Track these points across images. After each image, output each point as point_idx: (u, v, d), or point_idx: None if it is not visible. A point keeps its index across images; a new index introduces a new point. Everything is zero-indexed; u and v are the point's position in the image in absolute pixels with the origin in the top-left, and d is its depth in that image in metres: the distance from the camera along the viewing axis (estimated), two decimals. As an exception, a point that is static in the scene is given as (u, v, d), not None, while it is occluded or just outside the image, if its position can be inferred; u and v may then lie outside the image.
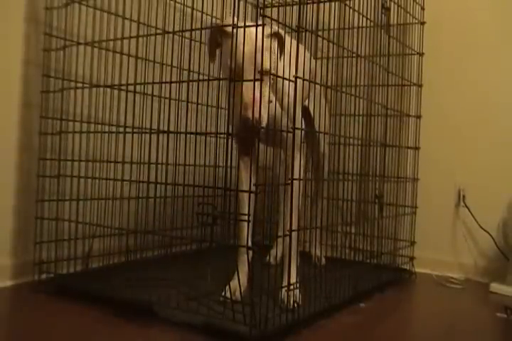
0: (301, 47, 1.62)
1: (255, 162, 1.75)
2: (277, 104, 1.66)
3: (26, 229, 1.94)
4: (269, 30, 1.57)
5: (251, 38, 1.48)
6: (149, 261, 2.09)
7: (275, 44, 1.61)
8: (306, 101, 1.99)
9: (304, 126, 1.88)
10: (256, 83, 1.45)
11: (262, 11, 2.38)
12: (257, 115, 1.44)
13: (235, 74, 1.51)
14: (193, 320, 1.51)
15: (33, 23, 1.97)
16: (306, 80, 1.57)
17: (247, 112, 1.46)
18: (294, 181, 1.62)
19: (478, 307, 2.04)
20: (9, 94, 1.93)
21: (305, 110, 1.96)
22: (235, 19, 1.52)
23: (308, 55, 1.80)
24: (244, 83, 1.48)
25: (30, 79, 1.97)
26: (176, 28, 1.94)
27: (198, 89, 1.93)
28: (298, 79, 1.53)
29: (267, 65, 1.52)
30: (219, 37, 1.62)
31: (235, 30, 1.50)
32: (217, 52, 1.66)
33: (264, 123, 1.50)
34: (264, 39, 1.50)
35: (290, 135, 1.61)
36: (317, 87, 1.84)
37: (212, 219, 1.51)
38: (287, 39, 1.59)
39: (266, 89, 1.54)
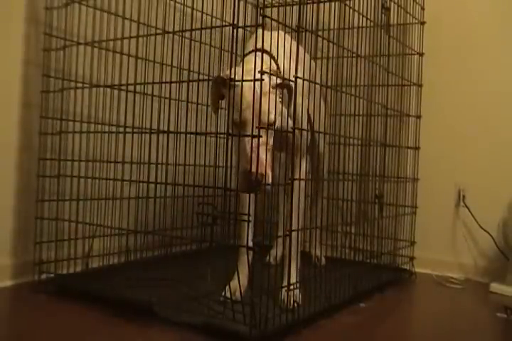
0: (301, 49, 1.62)
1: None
2: (283, 107, 1.66)
3: (26, 229, 1.94)
4: (275, 80, 1.52)
5: (251, 89, 1.43)
6: (149, 261, 2.09)
7: (281, 93, 1.57)
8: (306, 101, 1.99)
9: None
10: (258, 134, 1.43)
11: (262, 11, 2.38)
12: (262, 171, 1.42)
13: (234, 127, 1.50)
14: (193, 320, 1.51)
15: (33, 23, 1.96)
16: (306, 80, 1.57)
17: (248, 166, 1.44)
18: (298, 181, 1.62)
19: (478, 307, 2.04)
20: (9, 94, 1.93)
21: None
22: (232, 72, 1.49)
23: (307, 55, 1.80)
24: (248, 137, 1.45)
25: (30, 79, 1.97)
26: (176, 28, 1.94)
27: (198, 89, 1.93)
28: (298, 80, 1.53)
29: (271, 117, 1.50)
30: (222, 87, 1.58)
31: (237, 83, 1.47)
32: (220, 103, 1.64)
33: (268, 180, 1.46)
34: (270, 90, 1.48)
35: (297, 136, 1.61)
36: (316, 87, 1.84)
37: (212, 219, 1.51)
38: (287, 38, 1.59)
39: (270, 141, 1.51)
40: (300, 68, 1.54)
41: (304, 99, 1.62)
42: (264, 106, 1.47)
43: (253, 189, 1.46)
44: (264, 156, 1.45)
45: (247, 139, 1.45)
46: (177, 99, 1.88)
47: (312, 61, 1.98)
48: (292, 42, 1.57)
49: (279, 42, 1.50)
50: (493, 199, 2.36)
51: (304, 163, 1.79)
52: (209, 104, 1.68)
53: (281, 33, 1.59)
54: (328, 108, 2.26)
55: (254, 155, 1.43)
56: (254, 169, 1.42)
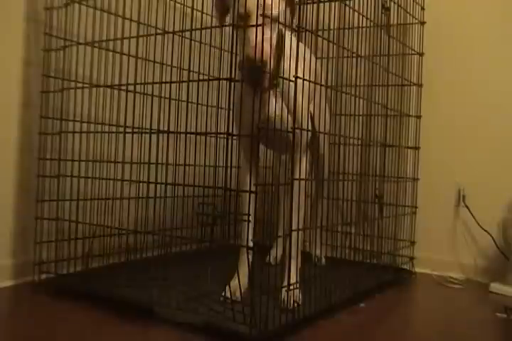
0: (306, 49, 1.62)
1: (256, 162, 1.75)
2: (284, 105, 1.66)
3: (26, 229, 1.94)
4: None
5: None
6: (149, 261, 2.08)
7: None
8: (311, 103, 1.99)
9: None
10: (261, 23, 1.47)
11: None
12: (261, 56, 1.46)
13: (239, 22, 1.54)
14: (193, 320, 1.51)
15: (33, 23, 1.97)
16: (306, 80, 1.57)
17: (251, 52, 1.46)
18: (297, 181, 1.62)
19: (478, 307, 2.04)
20: (9, 94, 1.93)
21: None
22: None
23: (312, 55, 1.80)
24: (251, 27, 1.49)
25: (30, 79, 1.97)
26: (176, 28, 1.94)
27: (198, 89, 1.93)
28: (299, 80, 1.53)
29: (274, 11, 1.54)
30: None
31: None
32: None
33: (269, 65, 1.49)
34: None
35: (298, 136, 1.61)
36: (318, 86, 1.84)
37: (212, 219, 1.51)
38: (287, 36, 1.59)
39: (273, 35, 1.55)
40: (301, 68, 1.54)
41: (305, 97, 1.61)
42: (268, 1, 1.50)
43: (256, 77, 1.49)
44: (267, 45, 1.49)
45: (252, 29, 1.49)
46: (177, 99, 1.87)
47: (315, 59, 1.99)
48: (297, 41, 1.57)
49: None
50: (493, 199, 2.36)
51: (304, 161, 1.78)
52: (209, 103, 1.68)
53: (288, 32, 1.59)
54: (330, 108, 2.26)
55: (258, 45, 1.46)
56: (257, 55, 1.45)
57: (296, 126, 1.63)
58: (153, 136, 1.79)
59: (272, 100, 1.65)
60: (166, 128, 1.76)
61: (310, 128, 1.82)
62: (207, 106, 2.04)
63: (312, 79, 1.64)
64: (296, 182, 1.66)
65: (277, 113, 1.64)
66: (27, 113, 1.97)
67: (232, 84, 1.50)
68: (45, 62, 1.95)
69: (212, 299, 1.65)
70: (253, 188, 1.66)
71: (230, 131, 1.50)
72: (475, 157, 2.45)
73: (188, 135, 1.69)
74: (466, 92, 2.49)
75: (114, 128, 1.94)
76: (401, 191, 2.45)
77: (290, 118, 1.65)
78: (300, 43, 1.56)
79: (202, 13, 2.13)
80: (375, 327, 1.71)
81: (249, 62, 1.48)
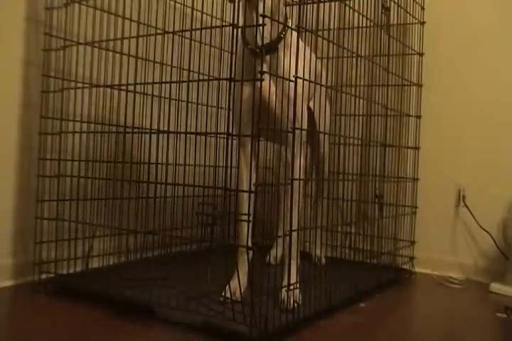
0: (308, 49, 1.63)
1: (255, 160, 1.75)
2: (284, 102, 1.65)
3: (26, 229, 1.94)
4: None
5: None
6: (149, 261, 2.09)
7: None
8: (312, 101, 1.99)
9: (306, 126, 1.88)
10: None
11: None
12: None
13: None
14: (193, 320, 1.51)
15: (33, 23, 1.97)
16: (306, 80, 1.57)
17: None
18: (295, 181, 1.62)
19: (478, 307, 2.04)
20: (9, 94, 1.93)
21: (308, 110, 1.96)
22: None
23: (314, 55, 1.80)
24: None
25: (30, 79, 1.97)
26: (176, 28, 1.94)
27: (198, 89, 1.93)
28: (300, 80, 1.53)
29: None
30: None
31: None
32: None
33: None
34: None
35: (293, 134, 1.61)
36: (322, 88, 1.84)
37: (213, 219, 1.51)
38: (294, 35, 1.59)
39: None
40: (301, 67, 1.54)
41: (304, 91, 1.61)
42: None
43: None
44: None
45: None
46: (177, 99, 1.88)
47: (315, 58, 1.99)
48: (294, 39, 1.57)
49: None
50: (493, 199, 2.36)
51: (304, 158, 1.77)
52: (209, 103, 1.68)
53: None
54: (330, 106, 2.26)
55: None
56: None
57: (292, 122, 1.62)
58: (153, 136, 1.79)
59: (272, 84, 1.64)
60: (166, 128, 1.76)
61: (308, 122, 1.81)
62: (207, 106, 2.04)
63: (313, 78, 1.64)
64: (295, 180, 1.66)
65: (271, 90, 1.63)
66: (27, 113, 1.97)
67: (234, 77, 1.50)
68: (45, 62, 1.94)
69: (212, 299, 1.65)
70: (253, 188, 1.66)
71: (230, 131, 1.51)
72: (475, 157, 2.45)
73: (188, 135, 1.69)
74: (466, 92, 2.49)
75: (114, 128, 1.94)
76: (401, 191, 2.45)
77: (284, 100, 1.63)
78: (300, 41, 1.56)
79: (202, 13, 2.13)
80: (375, 327, 1.71)
81: None
